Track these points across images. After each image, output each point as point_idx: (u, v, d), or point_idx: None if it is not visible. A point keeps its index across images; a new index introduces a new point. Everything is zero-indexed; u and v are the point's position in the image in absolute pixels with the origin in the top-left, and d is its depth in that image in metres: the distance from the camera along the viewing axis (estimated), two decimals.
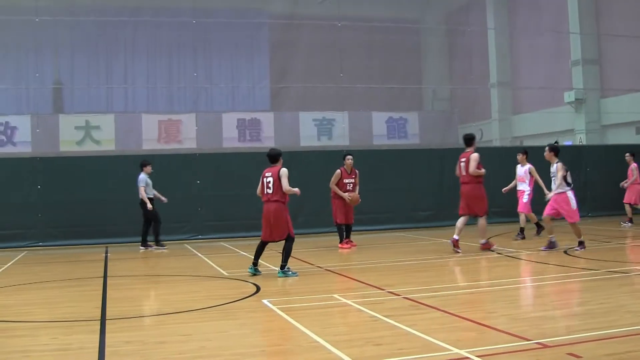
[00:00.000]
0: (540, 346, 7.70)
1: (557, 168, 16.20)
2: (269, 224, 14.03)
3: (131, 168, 21.99)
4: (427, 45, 46.14)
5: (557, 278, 12.84)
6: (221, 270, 15.35)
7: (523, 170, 19.91)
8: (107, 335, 8.95)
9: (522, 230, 19.91)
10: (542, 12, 39.50)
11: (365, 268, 14.25)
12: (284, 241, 14.02)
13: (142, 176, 20.66)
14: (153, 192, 20.92)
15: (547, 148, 16.77)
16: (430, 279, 13.24)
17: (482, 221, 17.16)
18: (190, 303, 11.41)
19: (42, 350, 8.33)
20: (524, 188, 19.87)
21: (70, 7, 34.29)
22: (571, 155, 27.14)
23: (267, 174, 14.41)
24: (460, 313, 9.64)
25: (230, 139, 37.04)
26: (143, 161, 21.06)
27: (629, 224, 23.16)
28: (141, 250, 20.67)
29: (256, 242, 14.47)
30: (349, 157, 19.31)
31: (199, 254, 19.14)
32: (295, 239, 14.15)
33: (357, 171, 19.53)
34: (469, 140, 17.50)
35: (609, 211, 27.35)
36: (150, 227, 20.92)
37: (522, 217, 20.03)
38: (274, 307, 10.49)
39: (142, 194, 20.44)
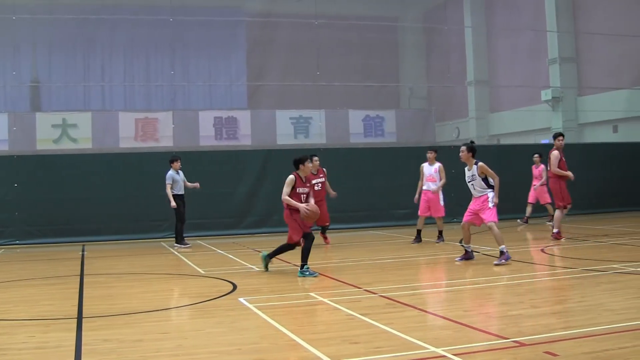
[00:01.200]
0: (517, 344, 7.70)
1: (478, 170, 14.71)
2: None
3: (108, 166, 21.89)
4: (404, 44, 46.28)
5: (534, 277, 12.88)
6: (198, 269, 15.29)
7: (433, 169, 19.39)
8: (84, 333, 8.89)
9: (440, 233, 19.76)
10: (519, 11, 39.67)
11: (342, 266, 14.24)
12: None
13: (170, 173, 20.18)
14: (183, 188, 20.43)
15: (463, 148, 14.97)
16: (407, 278, 13.25)
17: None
18: (167, 301, 11.36)
19: (20, 349, 8.27)
20: (432, 187, 19.43)
21: (48, 5, 34.22)
22: (548, 154, 27.22)
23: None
24: (437, 311, 9.65)
25: (207, 137, 36.98)
26: (172, 157, 20.62)
27: (525, 224, 23.91)
28: (176, 248, 20.19)
29: (238, 240, 14.43)
30: (315, 157, 18.52)
31: (176, 252, 19.08)
32: (271, 238, 14.13)
33: (324, 170, 19.30)
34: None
35: (589, 209, 27.48)
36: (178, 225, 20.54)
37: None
38: (250, 306, 10.45)
39: (168, 192, 19.96)
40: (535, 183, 24.03)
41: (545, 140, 34.71)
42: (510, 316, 9.31)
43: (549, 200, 22.93)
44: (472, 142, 15.13)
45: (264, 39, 39.43)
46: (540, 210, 24.19)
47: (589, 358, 7.12)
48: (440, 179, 19.22)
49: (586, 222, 24.36)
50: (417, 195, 19.58)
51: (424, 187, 19.42)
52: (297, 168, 13.95)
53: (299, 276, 13.50)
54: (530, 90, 37.46)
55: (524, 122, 38.27)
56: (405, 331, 8.38)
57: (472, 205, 14.84)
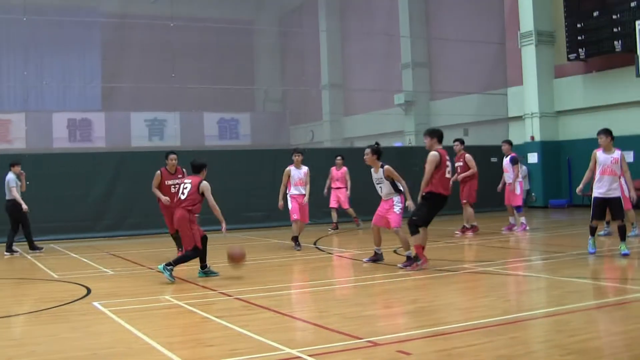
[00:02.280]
0: (371, 344, 7.77)
1: (385, 173, 14.25)
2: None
3: None
4: (260, 47, 46.42)
5: (388, 277, 13.03)
6: (52, 273, 14.95)
7: (302, 172, 18.33)
8: None
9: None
10: (373, 16, 40.24)
11: (197, 269, 14.15)
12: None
13: (11, 176, 19.22)
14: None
15: (367, 150, 14.43)
16: (262, 280, 13.25)
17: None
18: (19, 306, 11.10)
19: None
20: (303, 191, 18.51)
21: None
22: (401, 156, 27.71)
23: (186, 181, 13.79)
24: (292, 313, 9.68)
25: (61, 139, 36.34)
26: (13, 160, 19.70)
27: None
28: (6, 256, 18.88)
29: (93, 244, 14.16)
30: (173, 155, 18.11)
31: (29, 257, 18.58)
32: (127, 242, 13.93)
33: (184, 170, 19.00)
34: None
35: (442, 209, 28.03)
36: (18, 231, 19.50)
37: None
38: (105, 310, 10.25)
39: (15, 195, 19.01)
40: (339, 185, 23.18)
41: (398, 143, 35.35)
42: (364, 316, 9.42)
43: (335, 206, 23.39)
44: (377, 143, 14.63)
45: (119, 40, 38.88)
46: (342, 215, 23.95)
47: (440, 356, 7.26)
48: (306, 183, 18.35)
49: (438, 223, 24.85)
50: (281, 202, 18.29)
51: (295, 192, 18.20)
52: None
53: (200, 276, 13.38)
54: (384, 94, 38.09)
55: (378, 125, 38.87)
56: (261, 333, 8.33)
57: (380, 208, 14.51)
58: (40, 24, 35.36)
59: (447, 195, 13.85)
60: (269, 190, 23.60)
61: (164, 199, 16.22)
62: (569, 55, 30.57)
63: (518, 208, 20.93)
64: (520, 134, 32.42)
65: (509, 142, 21.81)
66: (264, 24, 45.59)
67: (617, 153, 14.46)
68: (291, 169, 18.35)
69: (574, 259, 14.46)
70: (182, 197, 13.47)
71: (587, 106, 30.80)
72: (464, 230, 20.58)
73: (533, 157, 31.28)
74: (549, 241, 18.86)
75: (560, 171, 30.99)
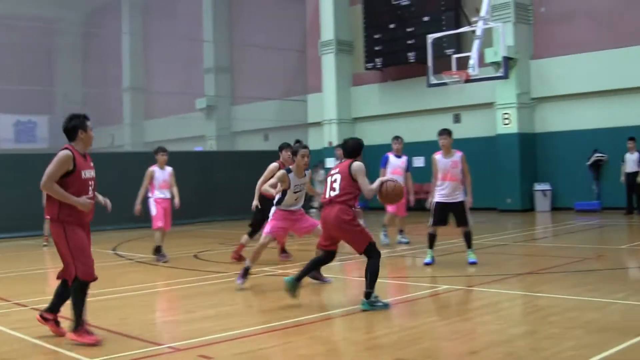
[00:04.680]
0: (172, 350, 7.82)
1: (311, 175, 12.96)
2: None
3: None
4: (60, 47, 45.36)
5: (189, 282, 13.01)
6: None
7: (167, 174, 16.51)
8: None
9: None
10: (178, 20, 40.13)
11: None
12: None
13: None
14: None
15: (307, 151, 12.00)
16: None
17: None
18: None
19: None
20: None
21: None
22: (203, 161, 27.83)
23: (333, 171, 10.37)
24: (92, 321, 9.58)
25: None
26: None
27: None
28: None
29: None
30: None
31: None
32: None
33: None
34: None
35: (238, 214, 28.30)
36: None
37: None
38: None
39: None
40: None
41: (199, 147, 35.36)
42: (164, 322, 9.43)
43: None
44: (298, 141, 13.41)
45: None
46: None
47: (242, 358, 7.40)
48: (172, 185, 16.53)
49: (237, 227, 25.07)
50: (138, 206, 16.12)
51: (160, 196, 16.22)
52: None
53: (364, 308, 9.76)
54: (186, 98, 38.05)
55: (179, 129, 38.79)
56: (58, 344, 8.24)
57: (286, 219, 12.41)
58: None
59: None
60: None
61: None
62: (367, 65, 31.61)
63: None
64: (319, 140, 33.10)
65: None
66: (66, 24, 44.66)
67: (457, 156, 13.70)
68: (155, 169, 16.34)
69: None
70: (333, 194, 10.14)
71: (382, 113, 31.90)
72: None
73: (331, 162, 31.92)
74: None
75: None
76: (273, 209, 12.41)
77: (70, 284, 8.29)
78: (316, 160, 31.15)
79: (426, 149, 27.28)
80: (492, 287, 11.17)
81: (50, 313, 8.61)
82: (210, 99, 37.93)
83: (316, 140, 33.34)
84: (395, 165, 16.90)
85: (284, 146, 14.29)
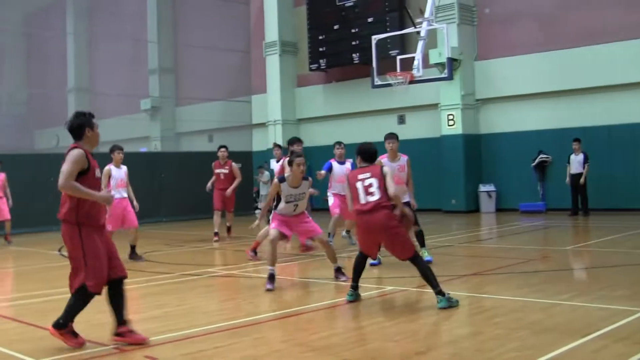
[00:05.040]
0: (118, 351, 7.83)
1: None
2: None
3: None
4: (4, 47, 44.90)
5: (135, 283, 13.01)
6: None
7: (123, 172, 16.31)
8: None
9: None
10: (123, 20, 39.90)
11: None
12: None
13: None
14: None
15: (303, 160, 12.12)
16: (3, 289, 12.99)
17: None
18: None
19: None
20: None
21: None
22: (148, 162, 27.75)
23: (363, 176, 10.20)
24: (36, 322, 9.48)
25: None
26: None
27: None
28: None
29: None
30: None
31: None
32: None
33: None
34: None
35: (183, 215, 28.33)
36: None
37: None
38: None
39: None
40: None
41: (144, 148, 35.23)
42: (110, 323, 9.43)
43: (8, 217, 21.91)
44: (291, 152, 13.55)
45: None
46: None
47: (187, 359, 7.43)
48: (127, 185, 16.29)
49: (182, 228, 25.06)
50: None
51: (117, 196, 15.52)
52: None
53: (441, 306, 9.61)
54: (131, 99, 37.86)
55: (124, 130, 38.44)
56: (5, 344, 8.20)
57: (290, 223, 12.49)
58: None
59: None
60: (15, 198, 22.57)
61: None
62: (311, 66, 31.70)
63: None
64: (264, 141, 33.14)
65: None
66: (8, 24, 44.17)
67: (403, 160, 13.68)
68: (111, 168, 16.01)
69: (323, 260, 14.45)
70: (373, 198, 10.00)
71: (327, 114, 32.00)
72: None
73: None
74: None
75: None
76: (272, 212, 12.68)
77: (73, 292, 8.10)
78: (261, 161, 31.19)
79: None
80: None
81: (120, 326, 8.23)
82: (154, 99, 37.80)
83: (261, 141, 33.40)
84: (340, 173, 15.79)
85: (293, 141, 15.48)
